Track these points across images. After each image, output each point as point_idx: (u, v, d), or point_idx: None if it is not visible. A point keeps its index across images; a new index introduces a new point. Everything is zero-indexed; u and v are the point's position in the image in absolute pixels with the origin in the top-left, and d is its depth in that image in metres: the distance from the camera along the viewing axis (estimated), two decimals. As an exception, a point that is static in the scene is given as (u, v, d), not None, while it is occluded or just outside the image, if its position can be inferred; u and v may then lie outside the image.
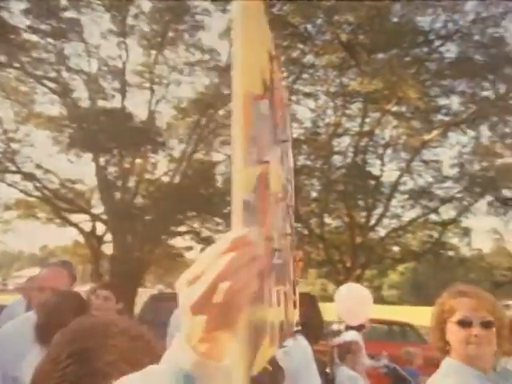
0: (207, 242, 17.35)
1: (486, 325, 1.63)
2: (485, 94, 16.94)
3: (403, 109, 17.81)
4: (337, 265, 17.11)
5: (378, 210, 17.73)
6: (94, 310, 2.21)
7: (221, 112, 18.10)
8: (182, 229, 17.38)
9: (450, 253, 18.60)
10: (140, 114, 17.35)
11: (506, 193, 17.60)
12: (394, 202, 18.02)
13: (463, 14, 16.17)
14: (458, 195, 17.77)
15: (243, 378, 0.59)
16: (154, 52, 16.98)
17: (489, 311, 1.65)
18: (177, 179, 17.11)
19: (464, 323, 1.64)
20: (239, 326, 0.56)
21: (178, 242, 17.87)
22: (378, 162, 18.05)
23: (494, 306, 1.68)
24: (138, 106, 17.53)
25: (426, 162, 18.29)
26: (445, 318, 1.71)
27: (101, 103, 16.71)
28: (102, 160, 16.50)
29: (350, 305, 4.17)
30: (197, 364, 0.56)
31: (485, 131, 17.57)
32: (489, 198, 17.66)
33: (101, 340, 0.86)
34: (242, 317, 0.56)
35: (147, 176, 17.90)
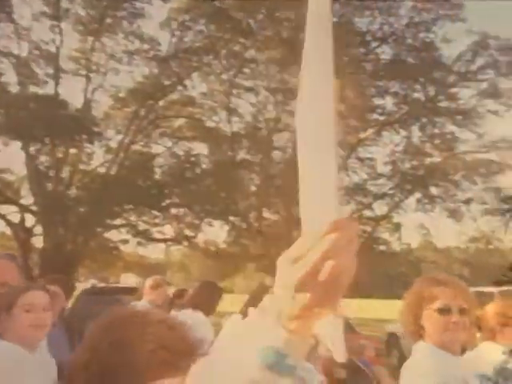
0: (144, 235, 17.04)
1: (463, 312, 1.73)
2: (416, 95, 17.80)
3: (341, 107, 18.33)
4: (274, 258, 17.33)
5: (315, 205, 18.16)
6: (41, 309, 2.03)
7: (161, 103, 17.78)
8: (118, 222, 16.94)
9: (382, 247, 19.42)
10: (75, 102, 16.73)
11: (433, 190, 18.63)
12: (330, 197, 18.52)
13: (398, 18, 16.87)
14: (390, 192, 18.59)
15: (344, 352, 0.62)
16: (90, 38, 16.36)
17: (464, 299, 1.75)
18: (113, 170, 16.64)
19: (444, 311, 1.73)
20: (339, 303, 0.58)
21: (113, 235, 17.42)
22: (316, 158, 18.46)
23: (468, 294, 1.79)
24: (72, 93, 16.94)
25: (361, 160, 18.97)
26: (422, 305, 1.78)
27: (32, 89, 15.93)
28: (32, 149, 15.74)
29: None
30: (288, 341, 0.58)
31: (415, 131, 18.49)
32: (418, 194, 18.61)
33: (140, 328, 0.86)
34: (342, 294, 0.58)
35: (82, 166, 17.29)
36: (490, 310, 2.38)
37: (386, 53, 17.53)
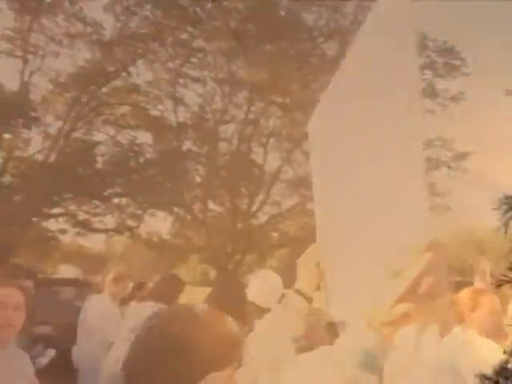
0: (84, 225, 16.53)
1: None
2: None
3: (287, 100, 18.53)
4: (218, 250, 17.39)
5: (260, 197, 18.33)
6: (13, 308, 1.90)
7: (104, 89, 17.21)
8: (57, 211, 16.32)
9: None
10: (11, 84, 15.83)
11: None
12: (274, 189, 18.76)
13: (343, 15, 17.23)
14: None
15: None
16: (28, 18, 15.52)
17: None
18: (52, 158, 15.97)
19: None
20: (436, 312, 0.65)
21: (51, 224, 16.77)
22: (262, 150, 18.62)
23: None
24: (8, 75, 15.99)
25: (305, 153, 19.29)
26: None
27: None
28: (-38, 132, 14.83)
29: (262, 289, 4.31)
30: (378, 344, 0.66)
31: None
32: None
33: (194, 325, 0.90)
34: (439, 304, 0.68)
35: (18, 153, 16.45)
36: (465, 295, 2.48)
37: (331, 48, 17.89)
